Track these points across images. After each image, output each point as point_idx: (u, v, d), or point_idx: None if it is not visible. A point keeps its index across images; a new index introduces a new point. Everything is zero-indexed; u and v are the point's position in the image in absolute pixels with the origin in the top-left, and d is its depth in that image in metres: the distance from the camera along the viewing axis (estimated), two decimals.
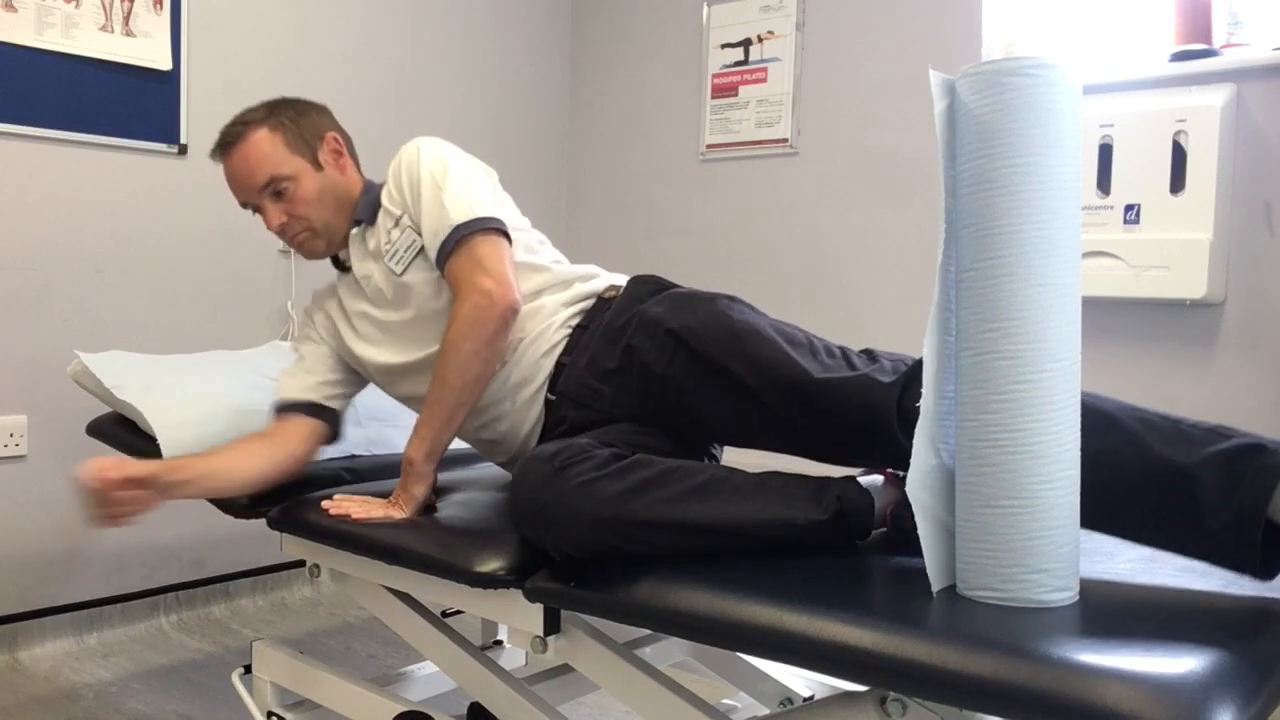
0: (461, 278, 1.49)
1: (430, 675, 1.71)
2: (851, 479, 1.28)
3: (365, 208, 1.65)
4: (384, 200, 1.62)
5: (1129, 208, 2.34)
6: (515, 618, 1.34)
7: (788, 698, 1.63)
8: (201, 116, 2.57)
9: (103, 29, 2.37)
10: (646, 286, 1.58)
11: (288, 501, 1.61)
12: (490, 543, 1.34)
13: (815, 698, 1.61)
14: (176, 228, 2.55)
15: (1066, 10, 2.62)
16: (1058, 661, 0.89)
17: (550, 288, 1.61)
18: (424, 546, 1.38)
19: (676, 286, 1.57)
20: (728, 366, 1.38)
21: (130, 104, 2.44)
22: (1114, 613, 1.02)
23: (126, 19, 2.41)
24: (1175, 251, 2.28)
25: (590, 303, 1.60)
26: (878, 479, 1.29)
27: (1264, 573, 1.09)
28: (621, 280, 1.64)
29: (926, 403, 1.08)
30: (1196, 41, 2.33)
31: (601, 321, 1.56)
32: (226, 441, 1.63)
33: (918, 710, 1.08)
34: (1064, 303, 1.03)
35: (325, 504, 1.53)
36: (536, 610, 1.32)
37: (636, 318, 1.50)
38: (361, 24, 2.92)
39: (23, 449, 2.34)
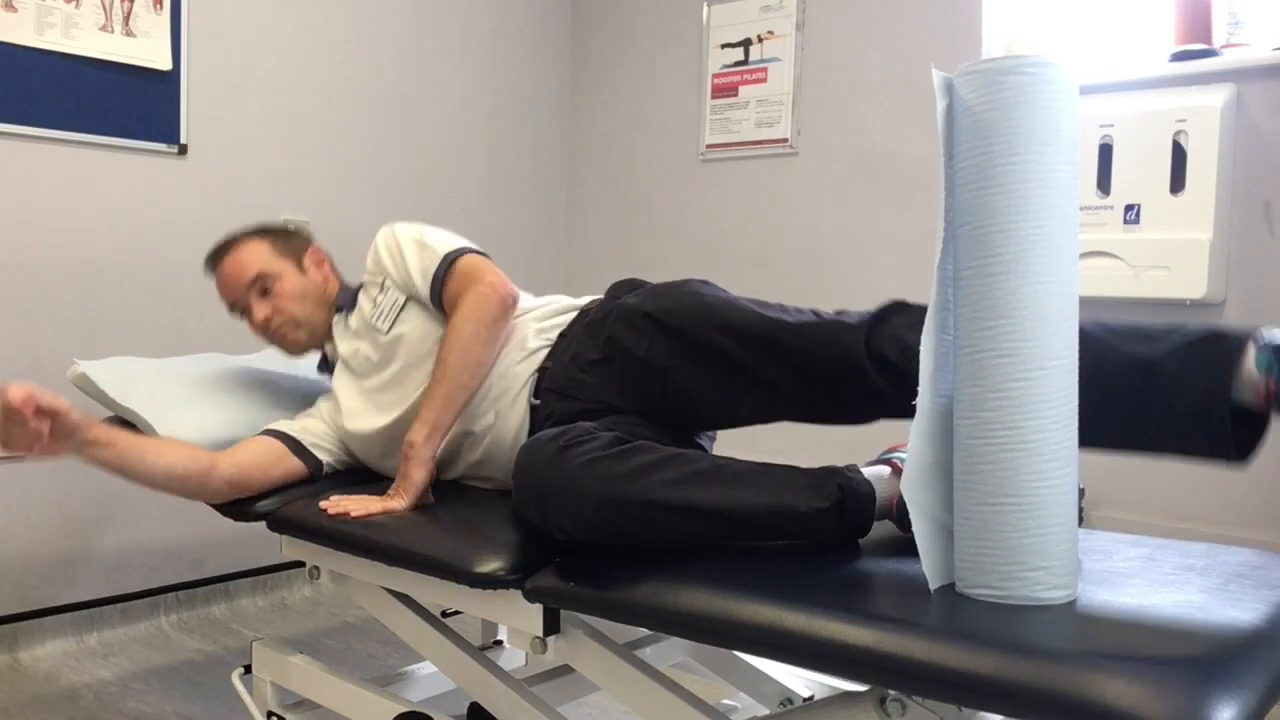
0: (460, 288, 1.60)
1: (430, 675, 1.71)
2: (854, 468, 1.28)
3: (345, 296, 1.79)
4: (364, 281, 1.74)
5: (1129, 208, 2.34)
6: (515, 618, 1.34)
7: (788, 698, 1.63)
8: (201, 116, 2.57)
9: (103, 29, 2.37)
10: (624, 286, 1.63)
11: (287, 502, 1.61)
12: (490, 543, 1.34)
13: (815, 698, 1.61)
14: (176, 228, 2.55)
15: (1067, 10, 2.62)
16: (1057, 659, 0.90)
17: (528, 311, 1.68)
18: (423, 547, 1.39)
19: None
20: (703, 337, 1.44)
21: (130, 104, 2.44)
22: (1112, 610, 1.02)
23: (126, 19, 2.41)
24: (1175, 251, 2.28)
25: (572, 314, 1.66)
26: (884, 470, 1.29)
27: (1237, 454, 1.11)
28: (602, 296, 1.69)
29: (923, 400, 1.08)
30: (1196, 41, 2.33)
31: (583, 323, 1.61)
32: (227, 445, 1.65)
33: (917, 709, 1.08)
34: (1062, 300, 1.03)
35: (323, 504, 1.53)
36: (536, 610, 1.32)
37: (615, 310, 1.55)
38: (361, 24, 2.92)
39: None
